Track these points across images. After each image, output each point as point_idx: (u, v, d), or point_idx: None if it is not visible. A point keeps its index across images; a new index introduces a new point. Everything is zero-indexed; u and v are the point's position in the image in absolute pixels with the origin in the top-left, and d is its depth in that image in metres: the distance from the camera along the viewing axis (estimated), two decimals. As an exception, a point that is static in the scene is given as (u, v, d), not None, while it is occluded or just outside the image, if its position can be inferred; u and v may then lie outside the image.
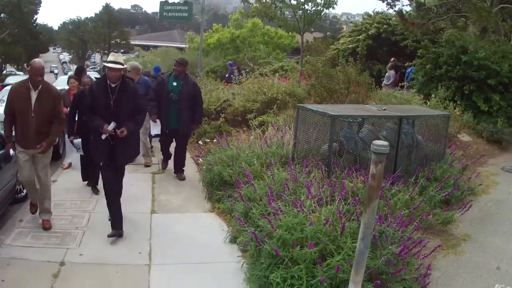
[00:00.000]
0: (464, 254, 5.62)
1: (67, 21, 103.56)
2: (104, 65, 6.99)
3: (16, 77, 37.81)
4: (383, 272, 4.26)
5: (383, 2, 20.60)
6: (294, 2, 16.02)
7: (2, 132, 7.18)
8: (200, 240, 6.17)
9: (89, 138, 7.51)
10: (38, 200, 6.93)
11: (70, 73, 56.68)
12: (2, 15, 60.01)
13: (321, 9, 15.94)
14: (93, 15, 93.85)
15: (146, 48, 74.37)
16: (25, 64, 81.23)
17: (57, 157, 10.39)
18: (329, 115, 6.39)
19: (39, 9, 69.67)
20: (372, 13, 24.82)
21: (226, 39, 37.81)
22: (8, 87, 9.82)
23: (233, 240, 6.01)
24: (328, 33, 31.28)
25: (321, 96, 10.60)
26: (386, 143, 3.59)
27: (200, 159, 9.39)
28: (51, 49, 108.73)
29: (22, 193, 8.03)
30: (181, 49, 52.46)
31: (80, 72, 11.17)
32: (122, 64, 6.49)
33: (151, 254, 5.81)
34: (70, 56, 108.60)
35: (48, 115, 6.58)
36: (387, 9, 21.53)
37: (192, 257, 5.71)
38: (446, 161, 7.71)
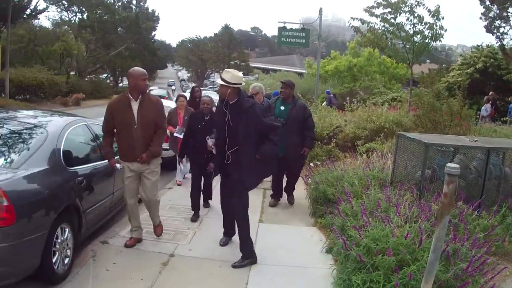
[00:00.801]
0: None
1: (186, 39, 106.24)
2: None
3: (158, 91, 40.14)
4: (451, 285, 4.82)
5: (492, 35, 20.52)
6: (404, 34, 16.55)
7: None
8: (299, 248, 6.97)
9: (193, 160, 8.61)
10: (149, 214, 7.09)
11: (188, 91, 58.75)
12: (119, 30, 62.73)
13: (429, 41, 16.32)
14: (212, 35, 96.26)
15: (265, 71, 74.78)
16: None
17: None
18: (423, 143, 6.96)
19: (157, 26, 72.78)
20: (480, 47, 24.62)
21: (344, 67, 38.28)
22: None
23: (329, 250, 6.74)
24: (443, 65, 31.10)
25: (426, 127, 11.03)
26: (457, 166, 4.20)
27: (309, 179, 9.69)
28: (169, 65, 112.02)
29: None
30: (299, 74, 53.24)
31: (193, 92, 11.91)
32: (225, 81, 6.31)
33: (250, 269, 6.36)
34: (189, 74, 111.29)
35: (152, 125, 6.54)
36: (496, 43, 21.37)
37: (289, 262, 6.51)
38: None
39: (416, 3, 15.99)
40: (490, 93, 19.34)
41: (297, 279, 6.01)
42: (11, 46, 34.33)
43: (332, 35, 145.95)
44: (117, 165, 6.69)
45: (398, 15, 16.42)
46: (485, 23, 20.25)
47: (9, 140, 5.72)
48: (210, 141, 6.73)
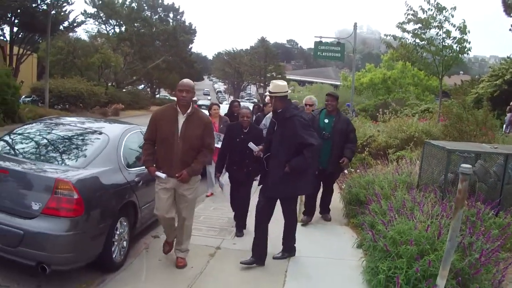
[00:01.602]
0: None
1: (222, 52, 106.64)
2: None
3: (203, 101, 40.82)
4: (465, 273, 5.42)
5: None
6: (433, 48, 17.14)
7: None
8: (333, 244, 7.69)
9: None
10: (176, 238, 6.70)
11: (225, 102, 59.37)
12: (157, 43, 63.97)
13: (456, 55, 16.87)
14: (248, 48, 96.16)
15: (301, 83, 75.31)
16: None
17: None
18: (446, 149, 7.56)
19: (194, 38, 73.81)
20: (509, 58, 24.94)
21: (378, 79, 38.88)
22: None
23: (359, 246, 7.44)
24: (476, 76, 31.40)
25: (453, 136, 11.54)
26: (470, 166, 4.81)
27: (344, 184, 10.23)
28: (205, 77, 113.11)
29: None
30: (335, 86, 53.87)
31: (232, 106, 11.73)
32: (270, 92, 6.66)
33: (289, 260, 7.13)
34: (225, 86, 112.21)
35: (195, 142, 6.25)
36: None
37: (323, 254, 7.32)
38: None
39: (444, 18, 16.60)
40: (511, 103, 19.72)
41: (330, 269, 6.76)
42: (50, 57, 35.51)
43: (367, 47, 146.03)
44: (158, 173, 6.25)
45: (428, 30, 17.03)
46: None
47: (77, 143, 6.58)
48: (253, 147, 7.22)
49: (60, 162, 6.12)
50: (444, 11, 16.93)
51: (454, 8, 16.87)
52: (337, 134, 8.69)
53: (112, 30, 59.93)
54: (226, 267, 6.67)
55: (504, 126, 18.77)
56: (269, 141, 6.77)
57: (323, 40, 26.37)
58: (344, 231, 8.62)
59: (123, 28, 58.77)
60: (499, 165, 7.94)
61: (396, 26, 18.08)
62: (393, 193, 7.82)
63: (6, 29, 35.17)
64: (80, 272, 5.97)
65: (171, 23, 71.14)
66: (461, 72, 73.56)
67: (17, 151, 6.40)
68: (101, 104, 40.08)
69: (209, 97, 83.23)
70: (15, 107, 24.66)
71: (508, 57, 25.52)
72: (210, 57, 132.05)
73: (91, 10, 56.63)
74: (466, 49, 16.92)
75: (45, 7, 34.44)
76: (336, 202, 10.01)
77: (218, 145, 9.13)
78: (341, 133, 8.71)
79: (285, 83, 6.86)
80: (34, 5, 33.03)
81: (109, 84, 52.47)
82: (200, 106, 58.68)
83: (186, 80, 6.46)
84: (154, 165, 6.36)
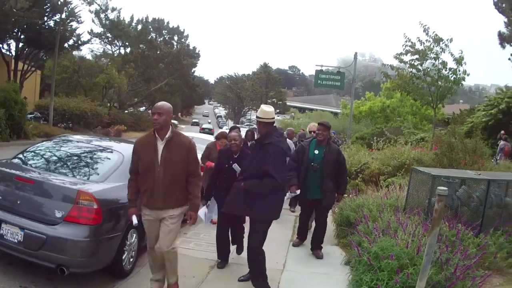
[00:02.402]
0: None
1: (224, 76, 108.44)
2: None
3: (207, 125, 40.89)
4: (441, 286, 6.05)
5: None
6: (429, 79, 17.89)
7: None
8: (323, 261, 8.32)
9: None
10: (165, 275, 6.35)
11: (226, 127, 59.80)
12: (160, 65, 64.53)
13: (451, 85, 17.62)
14: (250, 73, 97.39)
15: (301, 110, 75.77)
16: (179, 114, 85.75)
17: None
18: (431, 175, 8.24)
19: (197, 62, 74.52)
20: (505, 88, 25.64)
21: (377, 108, 39.58)
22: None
23: (347, 263, 8.04)
24: (476, 105, 32.08)
25: (442, 164, 12.12)
26: (445, 188, 5.47)
27: (336, 208, 10.57)
28: (206, 101, 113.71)
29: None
30: (335, 114, 54.52)
31: (220, 138, 10.52)
32: (258, 117, 6.67)
33: (285, 264, 8.04)
34: (226, 111, 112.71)
35: (177, 169, 5.91)
36: None
37: (314, 270, 7.96)
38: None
39: (441, 49, 17.34)
40: (501, 131, 20.42)
41: (319, 282, 7.42)
42: (55, 76, 35.99)
43: (369, 75, 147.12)
44: (133, 218, 6.08)
45: (424, 61, 17.77)
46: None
47: (95, 159, 7.27)
48: (236, 167, 7.26)
49: (80, 175, 6.79)
50: (441, 42, 17.64)
51: (451, 40, 17.59)
52: (327, 165, 8.50)
53: (118, 51, 60.69)
54: (225, 276, 7.33)
55: (497, 154, 19.39)
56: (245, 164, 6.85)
57: (324, 68, 27.13)
58: (335, 250, 9.21)
59: (127, 49, 59.43)
60: (481, 190, 8.62)
61: (393, 57, 18.84)
62: (380, 215, 8.43)
63: (12, 45, 35.73)
64: (92, 278, 6.61)
65: (175, 46, 72.04)
66: (461, 101, 74.55)
67: (40, 164, 7.07)
68: (103, 124, 40.79)
69: (209, 120, 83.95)
70: (22, 123, 25.09)
71: (505, 87, 26.15)
72: (211, 81, 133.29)
73: (97, 29, 57.43)
74: (461, 80, 17.62)
75: (52, 24, 35.17)
76: (328, 223, 10.44)
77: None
78: (331, 164, 8.53)
79: (272, 109, 6.73)
80: (40, 21, 33.56)
81: (112, 104, 53.24)
82: (203, 129, 59.56)
83: (161, 103, 6.12)
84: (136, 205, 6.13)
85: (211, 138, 16.28)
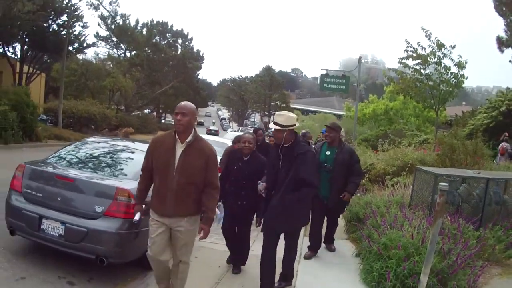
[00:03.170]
0: None
1: (227, 79, 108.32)
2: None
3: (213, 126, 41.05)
4: (444, 272, 6.72)
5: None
6: (431, 83, 18.54)
7: None
8: (335, 253, 8.95)
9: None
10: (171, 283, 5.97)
11: (230, 130, 60.02)
12: (165, 69, 65.14)
13: (453, 89, 18.25)
14: (253, 75, 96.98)
15: (304, 112, 75.86)
16: None
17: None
18: (434, 174, 8.92)
19: (201, 65, 74.95)
20: (506, 91, 26.18)
21: (381, 110, 40.08)
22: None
23: (358, 254, 8.73)
24: (478, 107, 32.57)
25: (444, 164, 12.69)
26: (446, 184, 6.10)
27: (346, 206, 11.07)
28: (210, 104, 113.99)
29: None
30: (339, 116, 54.96)
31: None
32: (280, 126, 6.26)
33: (300, 255, 8.59)
34: (229, 113, 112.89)
35: (194, 177, 5.47)
36: None
37: (328, 260, 8.66)
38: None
39: (443, 55, 17.96)
40: (505, 133, 21.00)
41: (334, 270, 8.14)
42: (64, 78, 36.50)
43: (372, 77, 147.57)
44: (136, 216, 5.90)
45: (427, 66, 18.39)
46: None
47: (127, 159, 7.89)
48: (261, 186, 6.60)
49: (116, 174, 7.40)
50: (443, 48, 18.27)
51: (454, 46, 18.22)
52: (339, 165, 8.40)
53: (123, 54, 61.20)
54: (246, 267, 7.94)
55: (498, 155, 19.93)
56: (273, 177, 6.47)
57: (329, 72, 27.85)
58: (345, 244, 9.87)
59: (133, 52, 59.92)
60: (481, 188, 9.28)
61: (398, 62, 19.53)
62: (388, 211, 9.06)
63: (17, 48, 36.37)
64: (126, 269, 7.25)
65: (179, 49, 72.71)
66: (464, 103, 74.99)
67: (75, 164, 7.71)
68: (110, 127, 41.41)
69: (213, 121, 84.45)
70: (33, 125, 25.79)
71: (506, 89, 26.66)
72: (214, 83, 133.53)
73: (103, 32, 57.78)
74: (461, 84, 18.24)
75: (55, 27, 35.85)
76: (339, 220, 10.96)
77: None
78: (342, 165, 8.42)
79: (294, 115, 6.56)
80: (45, 24, 34.13)
81: (118, 107, 53.92)
82: (210, 131, 60.28)
83: (184, 102, 5.60)
84: (144, 203, 5.93)
85: (221, 140, 16.71)
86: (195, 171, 5.47)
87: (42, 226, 6.74)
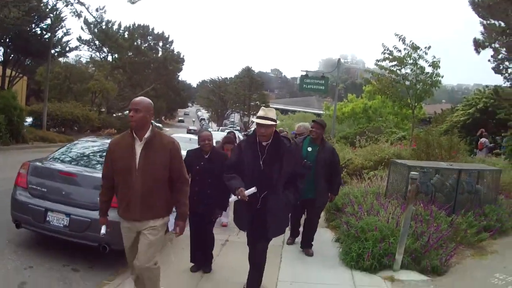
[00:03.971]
0: (486, 260, 8.48)
1: (207, 80, 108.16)
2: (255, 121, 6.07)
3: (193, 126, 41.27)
4: (418, 252, 7.56)
5: (501, 75, 23.01)
6: (408, 83, 19.36)
7: None
8: (316, 240, 9.32)
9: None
10: None
11: (210, 129, 60.55)
12: (147, 71, 65.21)
13: (429, 88, 19.11)
14: (233, 76, 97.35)
15: (284, 112, 76.23)
16: (163, 117, 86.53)
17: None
18: (407, 165, 9.68)
19: (182, 67, 75.00)
20: (483, 89, 27.12)
21: (359, 109, 40.87)
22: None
23: (337, 240, 9.47)
24: (458, 104, 33.35)
25: (420, 159, 13.36)
26: (417, 173, 6.91)
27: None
28: (189, 104, 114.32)
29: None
30: (318, 115, 55.43)
31: (226, 143, 9.92)
32: (274, 120, 5.93)
33: (284, 242, 9.35)
34: (209, 114, 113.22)
35: (158, 174, 5.18)
36: (504, 83, 23.66)
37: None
38: (499, 205, 10.61)
39: (418, 56, 18.73)
40: (481, 130, 21.94)
41: (316, 256, 8.75)
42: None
43: (351, 77, 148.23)
44: (102, 229, 5.62)
45: (403, 67, 19.15)
46: (493, 65, 22.82)
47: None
48: (251, 190, 5.71)
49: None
50: (418, 50, 18.93)
51: (429, 47, 18.93)
52: (321, 163, 8.35)
53: (105, 57, 61.28)
54: (235, 251, 8.56)
55: (478, 150, 20.82)
56: (254, 177, 5.91)
57: (308, 73, 28.53)
58: (324, 231, 10.50)
59: (115, 55, 60.02)
60: (453, 178, 10.04)
61: (374, 64, 20.27)
62: (365, 200, 9.78)
63: (0, 51, 36.20)
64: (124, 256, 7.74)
65: (160, 52, 73.10)
66: (444, 100, 76.03)
67: (77, 161, 8.34)
68: (93, 128, 41.84)
69: (193, 119, 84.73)
70: (20, 128, 26.20)
71: (483, 87, 27.67)
72: (194, 84, 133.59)
73: (86, 36, 57.67)
74: (437, 83, 19.01)
75: (39, 31, 35.95)
76: None
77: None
78: (325, 163, 8.38)
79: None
80: (28, 28, 34.15)
81: (100, 109, 54.26)
82: (190, 130, 60.91)
83: (138, 98, 5.31)
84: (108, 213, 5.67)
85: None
86: (159, 168, 5.17)
87: (47, 218, 7.35)
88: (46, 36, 35.66)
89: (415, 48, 18.86)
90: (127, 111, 6.60)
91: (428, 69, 19.08)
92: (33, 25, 34.96)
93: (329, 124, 33.13)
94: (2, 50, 35.54)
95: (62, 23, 37.50)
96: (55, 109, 37.40)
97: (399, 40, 18.92)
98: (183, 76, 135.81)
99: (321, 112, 54.98)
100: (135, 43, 63.94)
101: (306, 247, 8.91)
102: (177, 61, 72.46)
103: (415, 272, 7.49)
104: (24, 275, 6.84)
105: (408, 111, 38.19)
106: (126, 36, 60.80)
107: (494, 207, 10.33)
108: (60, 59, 46.05)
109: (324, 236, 10.03)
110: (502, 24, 19.50)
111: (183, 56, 75.82)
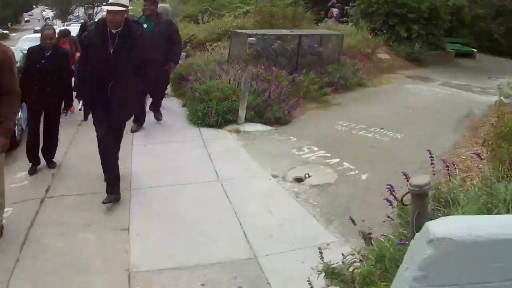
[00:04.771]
0: (330, 111, 9.35)
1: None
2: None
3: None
4: (260, 107, 8.10)
5: None
6: None
7: None
8: (164, 109, 9.27)
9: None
10: None
11: (56, 27, 58.07)
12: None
13: None
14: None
15: None
16: (9, 24, 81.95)
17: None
18: (246, 34, 9.97)
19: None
20: None
21: (205, -10, 40.30)
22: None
23: (184, 105, 9.71)
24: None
25: (263, 28, 13.51)
26: (254, 38, 7.23)
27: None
28: (34, 6, 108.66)
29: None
30: (163, -1, 54.61)
31: (62, 37, 9.62)
32: (125, 6, 5.52)
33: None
34: (53, 12, 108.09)
35: None
36: None
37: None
38: (342, 65, 11.39)
39: None
40: (332, 1, 22.83)
41: (165, 120, 8.85)
42: None
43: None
44: None
45: None
46: None
47: None
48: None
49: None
50: None
51: None
52: (157, 37, 8.05)
53: None
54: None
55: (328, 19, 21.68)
56: (103, 67, 5.62)
57: None
58: (171, 100, 10.53)
59: None
60: (294, 43, 10.55)
61: None
62: (207, 67, 9.90)
63: None
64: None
65: None
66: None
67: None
68: None
69: (38, 18, 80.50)
70: None
71: None
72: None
73: None
74: None
75: None
76: None
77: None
78: (162, 36, 8.20)
79: None
80: None
81: None
82: (36, 31, 57.71)
83: None
84: None
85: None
86: None
87: None
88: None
89: None
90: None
91: None
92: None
93: (173, 6, 32.64)
94: None
95: None
96: None
97: None
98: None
99: (166, -5, 53.58)
100: None
101: (155, 111, 8.86)
102: None
103: (260, 124, 8.19)
104: None
105: (253, -13, 38.73)
106: None
107: (337, 66, 11.14)
108: None
109: (172, 103, 10.19)
110: None
111: None
